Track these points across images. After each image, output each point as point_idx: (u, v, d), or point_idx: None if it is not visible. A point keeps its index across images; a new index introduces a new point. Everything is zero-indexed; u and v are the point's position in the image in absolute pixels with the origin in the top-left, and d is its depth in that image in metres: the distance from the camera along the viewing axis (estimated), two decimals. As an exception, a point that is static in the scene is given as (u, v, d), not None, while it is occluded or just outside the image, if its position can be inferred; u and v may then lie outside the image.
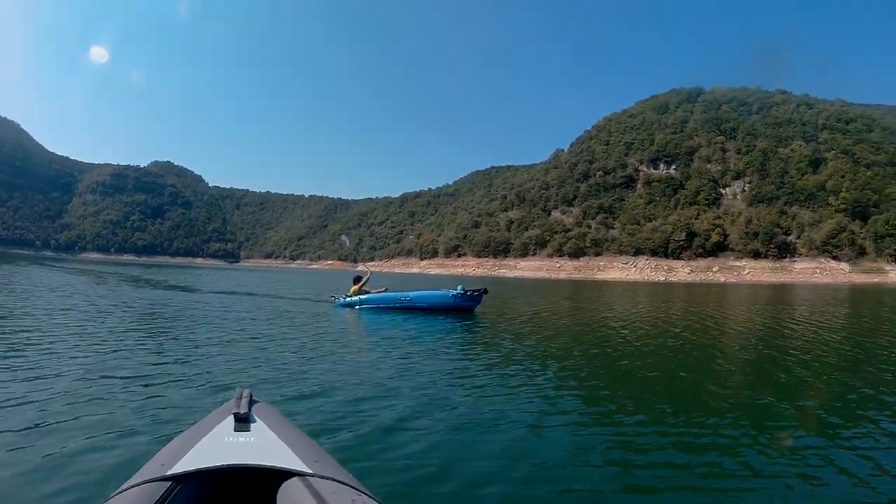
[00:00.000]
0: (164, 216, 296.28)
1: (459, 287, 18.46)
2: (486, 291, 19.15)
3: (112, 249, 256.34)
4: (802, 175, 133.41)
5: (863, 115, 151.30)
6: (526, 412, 6.18)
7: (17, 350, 8.73)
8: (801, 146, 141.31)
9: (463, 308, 18.18)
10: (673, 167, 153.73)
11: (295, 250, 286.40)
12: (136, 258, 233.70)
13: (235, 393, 2.81)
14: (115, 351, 9.18)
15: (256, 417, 2.64)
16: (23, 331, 10.71)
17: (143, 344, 10.07)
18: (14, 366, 7.52)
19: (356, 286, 19.45)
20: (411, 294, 19.23)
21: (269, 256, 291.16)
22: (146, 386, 6.76)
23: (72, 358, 8.32)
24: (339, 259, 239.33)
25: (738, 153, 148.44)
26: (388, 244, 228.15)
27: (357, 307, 18.76)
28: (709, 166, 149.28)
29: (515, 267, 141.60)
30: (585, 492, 4.20)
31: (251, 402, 2.75)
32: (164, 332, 11.89)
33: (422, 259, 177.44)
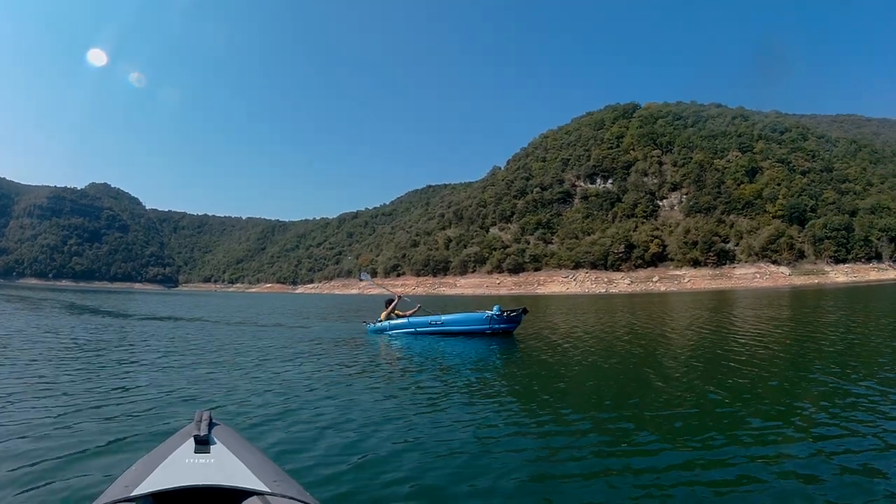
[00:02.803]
0: (101, 240, 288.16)
1: (496, 307, 16.54)
2: (525, 311, 17.00)
3: (50, 275, 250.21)
4: (739, 184, 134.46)
5: (798, 125, 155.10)
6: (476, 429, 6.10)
7: None
8: (737, 156, 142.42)
9: (499, 331, 16.30)
10: (610, 181, 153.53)
11: (234, 273, 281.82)
12: (73, 283, 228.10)
13: (196, 415, 2.86)
14: (74, 376, 9.19)
15: (216, 439, 2.70)
16: None
17: (101, 370, 9.97)
18: None
19: (387, 310, 18.26)
20: (442, 317, 17.44)
21: (207, 280, 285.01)
22: (106, 410, 6.82)
23: (29, 382, 8.62)
24: (279, 282, 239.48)
25: (675, 165, 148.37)
26: (328, 265, 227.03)
27: (390, 333, 17.49)
28: (645, 179, 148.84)
29: (455, 284, 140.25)
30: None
31: (211, 425, 2.81)
32: (117, 359, 11.55)
33: (361, 280, 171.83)
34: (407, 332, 17.18)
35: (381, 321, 18.05)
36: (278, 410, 6.97)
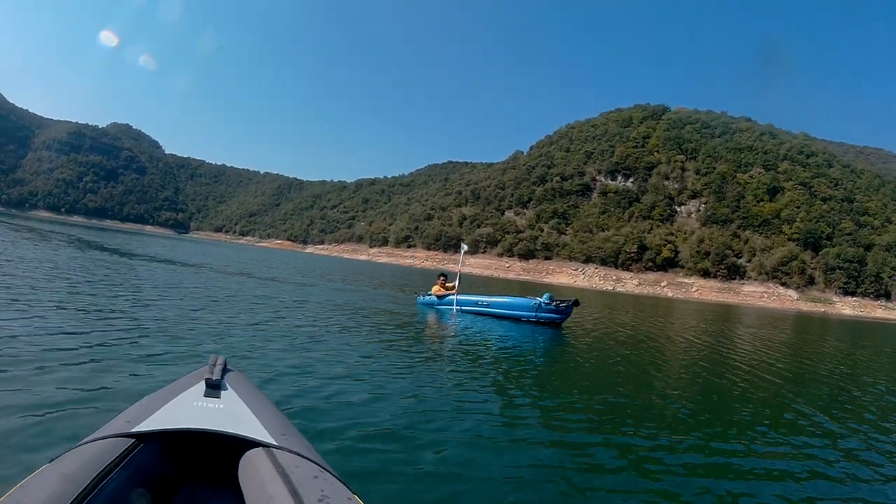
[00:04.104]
0: (117, 180, 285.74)
1: (545, 295, 16.23)
2: (577, 303, 16.44)
3: (62, 209, 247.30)
4: (759, 201, 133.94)
5: (824, 151, 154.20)
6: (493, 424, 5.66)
7: None
8: (760, 173, 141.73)
9: (545, 321, 15.90)
10: (630, 180, 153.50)
11: (245, 226, 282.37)
12: (85, 220, 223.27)
13: (210, 359, 2.83)
14: (92, 313, 8.91)
15: (228, 385, 2.65)
16: None
17: (117, 309, 9.62)
18: None
19: (439, 284, 18.24)
20: (490, 299, 17.33)
21: (218, 230, 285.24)
22: (119, 348, 6.66)
23: (51, 313, 8.30)
24: (289, 239, 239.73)
25: (697, 173, 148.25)
26: (339, 228, 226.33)
27: (438, 306, 17.74)
28: (666, 183, 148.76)
29: (464, 263, 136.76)
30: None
31: (224, 370, 2.78)
32: (133, 299, 11.26)
33: (371, 247, 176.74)
34: (455, 308, 17.15)
35: (430, 294, 18.26)
36: (297, 365, 6.96)
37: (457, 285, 17.71)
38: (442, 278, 18.40)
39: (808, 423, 7.05)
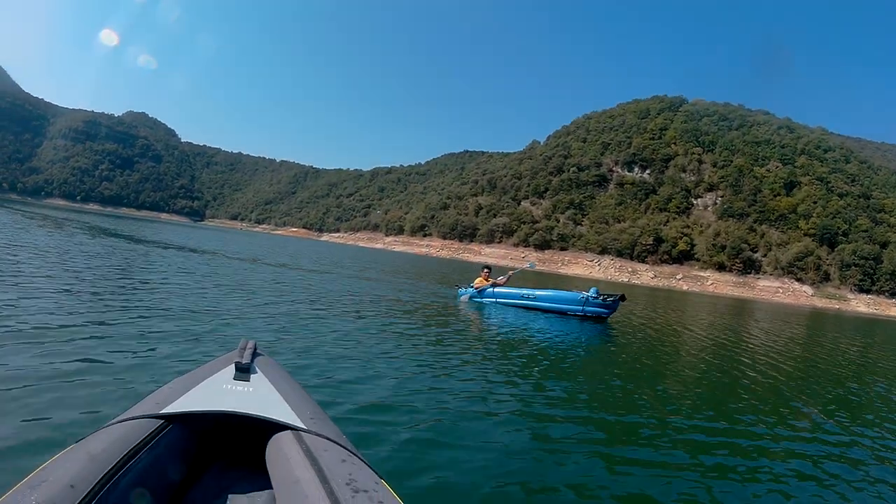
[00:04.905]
0: (132, 168, 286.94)
1: (592, 290, 16.10)
2: (623, 298, 16.40)
3: (78, 197, 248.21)
4: (775, 195, 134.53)
5: (842, 146, 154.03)
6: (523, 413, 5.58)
7: (18, 287, 8.58)
8: (777, 167, 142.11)
9: (592, 315, 15.84)
10: (647, 172, 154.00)
11: (261, 214, 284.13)
12: (100, 208, 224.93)
13: (240, 343, 2.84)
14: (113, 297, 9.01)
15: (258, 369, 2.66)
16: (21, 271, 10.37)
17: (139, 294, 9.87)
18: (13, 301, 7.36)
19: (482, 276, 17.88)
20: (536, 292, 17.04)
21: (234, 218, 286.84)
22: (151, 332, 6.71)
23: (81, 296, 8.55)
24: (304, 227, 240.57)
25: (714, 166, 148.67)
26: (355, 217, 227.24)
27: (478, 300, 17.34)
28: (683, 175, 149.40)
29: (480, 252, 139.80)
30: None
31: (255, 354, 2.78)
32: (158, 286, 11.28)
33: (387, 235, 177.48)
34: (497, 302, 17.04)
35: (472, 286, 17.87)
36: (328, 353, 6.94)
37: (506, 280, 17.82)
38: (486, 271, 18.26)
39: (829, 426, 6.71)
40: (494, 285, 17.38)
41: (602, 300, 15.73)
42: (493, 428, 4.94)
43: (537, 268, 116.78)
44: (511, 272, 18.65)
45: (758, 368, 10.67)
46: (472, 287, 17.84)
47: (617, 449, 4.85)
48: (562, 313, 16.06)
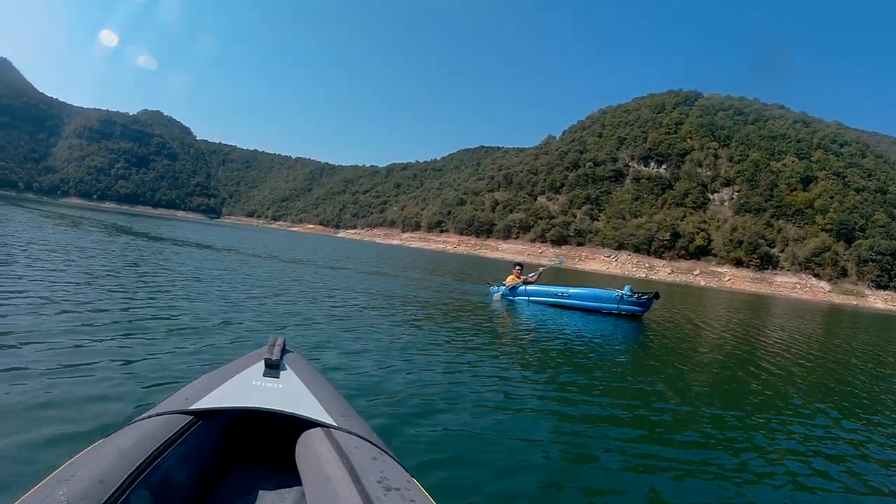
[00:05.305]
0: (148, 166, 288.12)
1: (626, 287, 16.31)
2: (657, 296, 16.66)
3: (94, 196, 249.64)
4: (792, 190, 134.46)
5: (858, 140, 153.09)
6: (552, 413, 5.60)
7: (46, 284, 8.86)
8: (793, 162, 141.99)
9: (626, 313, 16.04)
10: (663, 167, 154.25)
11: (277, 210, 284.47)
12: (117, 206, 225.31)
13: (269, 340, 2.84)
14: (150, 293, 9.48)
15: (287, 366, 2.66)
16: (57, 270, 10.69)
17: (172, 292, 10.11)
18: (45, 298, 7.61)
19: (514, 274, 17.66)
20: (570, 290, 17.12)
21: (250, 215, 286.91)
22: (180, 328, 6.93)
23: (105, 293, 8.82)
24: (321, 224, 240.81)
25: (730, 161, 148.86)
26: (371, 213, 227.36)
27: (511, 297, 17.22)
28: (699, 170, 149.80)
29: (497, 248, 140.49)
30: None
31: (284, 351, 2.78)
32: (182, 285, 11.40)
33: (404, 231, 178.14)
34: (530, 300, 16.99)
35: (505, 284, 17.74)
36: (356, 349, 7.00)
37: (536, 277, 17.78)
38: (518, 268, 17.93)
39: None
40: (526, 283, 17.36)
41: (636, 298, 15.95)
42: (526, 426, 4.96)
43: (554, 263, 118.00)
44: (541, 269, 18.69)
45: (780, 366, 10.72)
46: (504, 285, 17.78)
47: (657, 448, 4.83)
48: (596, 311, 16.15)
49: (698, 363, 10.41)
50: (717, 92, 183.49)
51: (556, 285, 17.88)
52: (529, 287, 17.29)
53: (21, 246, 14.61)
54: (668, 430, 5.46)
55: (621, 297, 15.94)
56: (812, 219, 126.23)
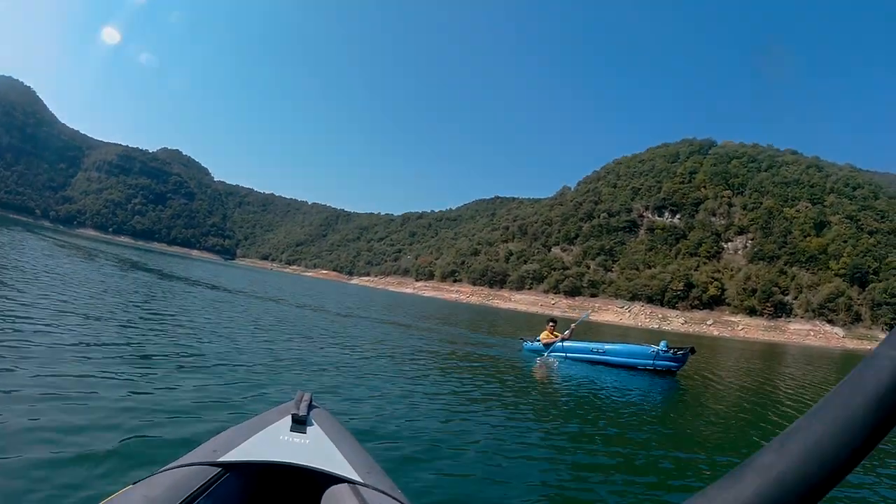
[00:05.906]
0: (165, 203, 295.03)
1: (662, 343, 16.19)
2: (693, 351, 16.50)
3: (110, 229, 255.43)
4: (805, 236, 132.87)
5: (870, 182, 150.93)
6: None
7: (75, 329, 8.93)
8: (807, 207, 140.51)
9: (662, 369, 15.81)
10: (677, 216, 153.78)
11: (292, 255, 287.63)
12: (132, 241, 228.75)
13: (296, 395, 2.86)
14: (186, 341, 9.66)
15: (314, 421, 2.67)
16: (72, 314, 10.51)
17: (208, 341, 10.28)
18: (70, 343, 7.71)
19: (548, 330, 17.85)
20: (605, 346, 17.07)
21: (265, 258, 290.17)
22: (208, 378, 7.07)
23: (138, 340, 8.97)
24: (335, 270, 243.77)
25: (744, 209, 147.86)
26: (386, 261, 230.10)
27: (546, 355, 17.09)
28: (713, 219, 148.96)
29: (510, 299, 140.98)
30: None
31: (310, 406, 2.79)
32: (210, 330, 11.88)
33: (417, 280, 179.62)
34: (567, 356, 16.73)
35: (539, 340, 17.67)
36: (382, 403, 7.08)
37: (568, 334, 17.47)
38: (551, 324, 17.87)
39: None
40: (563, 340, 17.16)
41: (672, 353, 15.68)
42: (571, 493, 4.86)
43: (567, 315, 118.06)
44: (573, 325, 18.00)
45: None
46: (538, 341, 17.63)
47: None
48: (632, 367, 15.88)
49: (731, 423, 10.20)
50: (731, 139, 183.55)
51: (591, 341, 17.85)
52: (566, 343, 17.14)
53: (42, 274, 15.81)
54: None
55: (657, 352, 15.83)
56: (826, 264, 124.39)
